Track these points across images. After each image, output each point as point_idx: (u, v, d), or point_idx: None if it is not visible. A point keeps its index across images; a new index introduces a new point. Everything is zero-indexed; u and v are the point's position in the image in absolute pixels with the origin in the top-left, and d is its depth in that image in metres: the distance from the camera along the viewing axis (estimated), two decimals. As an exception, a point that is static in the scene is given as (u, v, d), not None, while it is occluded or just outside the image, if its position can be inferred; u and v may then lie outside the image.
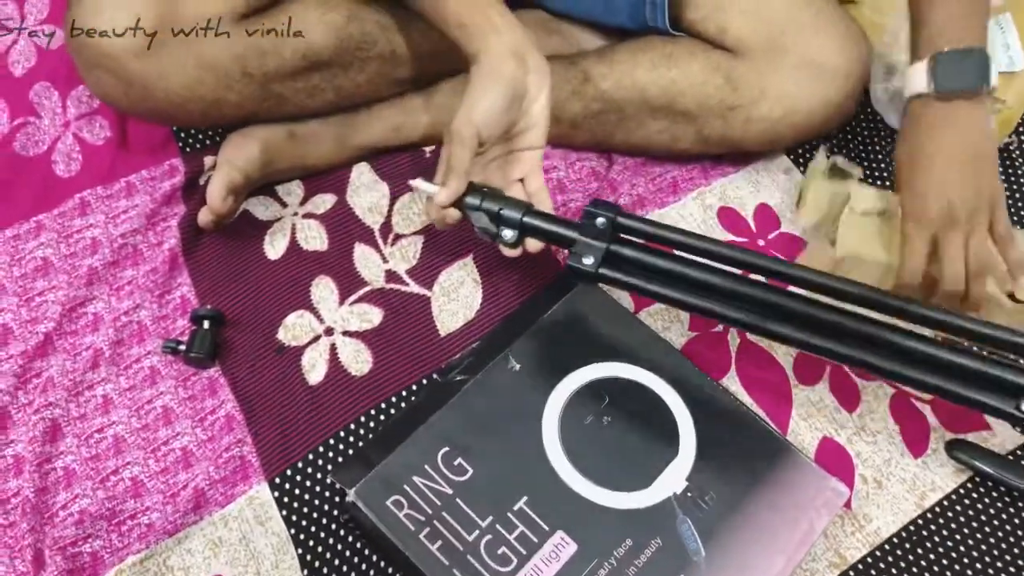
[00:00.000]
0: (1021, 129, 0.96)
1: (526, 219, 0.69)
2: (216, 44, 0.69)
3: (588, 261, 0.67)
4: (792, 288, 0.68)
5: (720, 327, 0.81)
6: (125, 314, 0.76)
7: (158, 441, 0.71)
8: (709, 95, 0.79)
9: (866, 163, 0.92)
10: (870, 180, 0.90)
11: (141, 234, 0.80)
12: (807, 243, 0.86)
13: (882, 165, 0.92)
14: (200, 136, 0.86)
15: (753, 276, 0.68)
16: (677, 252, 0.68)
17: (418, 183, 0.70)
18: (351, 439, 0.71)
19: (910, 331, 0.65)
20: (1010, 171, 0.93)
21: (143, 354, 0.74)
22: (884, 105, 0.91)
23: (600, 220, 0.68)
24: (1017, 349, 0.63)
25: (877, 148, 0.93)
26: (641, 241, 0.70)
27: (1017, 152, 0.94)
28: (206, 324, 0.74)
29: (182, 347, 0.73)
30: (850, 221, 0.79)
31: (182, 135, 0.86)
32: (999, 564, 0.71)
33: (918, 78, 0.70)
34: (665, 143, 0.84)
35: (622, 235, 0.69)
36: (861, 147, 0.93)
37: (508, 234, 0.69)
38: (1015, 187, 0.92)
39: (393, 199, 0.85)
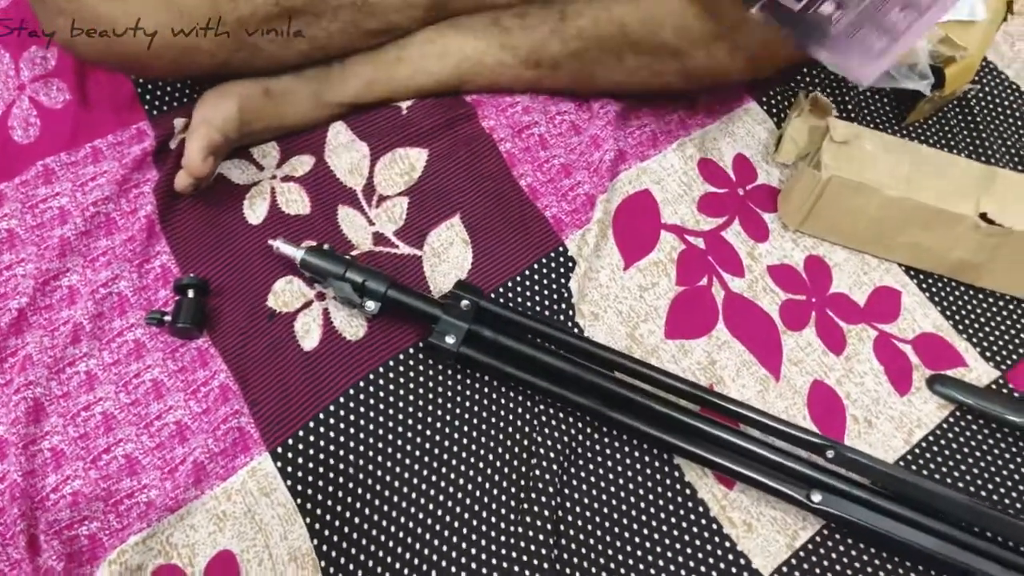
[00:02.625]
0: (978, 77, 0.99)
1: (390, 292, 0.71)
2: None
3: (450, 340, 0.70)
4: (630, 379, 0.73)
5: (704, 280, 0.82)
6: (103, 286, 0.72)
7: (150, 416, 0.68)
8: (690, 26, 0.78)
9: (840, 104, 0.94)
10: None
11: (113, 202, 0.75)
12: (789, 176, 0.88)
13: (848, 105, 0.94)
14: (167, 98, 0.82)
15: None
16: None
17: (279, 245, 0.73)
18: (351, 405, 0.70)
19: (730, 427, 0.71)
20: (968, 118, 0.96)
21: (126, 327, 0.71)
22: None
23: (464, 302, 0.71)
24: (805, 444, 0.71)
25: (844, 89, 0.95)
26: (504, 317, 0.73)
27: (974, 100, 0.97)
28: (191, 293, 0.71)
29: (167, 318, 0.70)
30: (831, 148, 0.81)
31: (148, 96, 0.81)
32: (984, 493, 0.74)
33: None
34: (646, 80, 0.83)
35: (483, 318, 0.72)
36: (831, 91, 0.95)
37: (371, 306, 0.71)
38: (974, 134, 0.95)
39: (374, 159, 0.82)
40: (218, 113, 0.74)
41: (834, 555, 0.70)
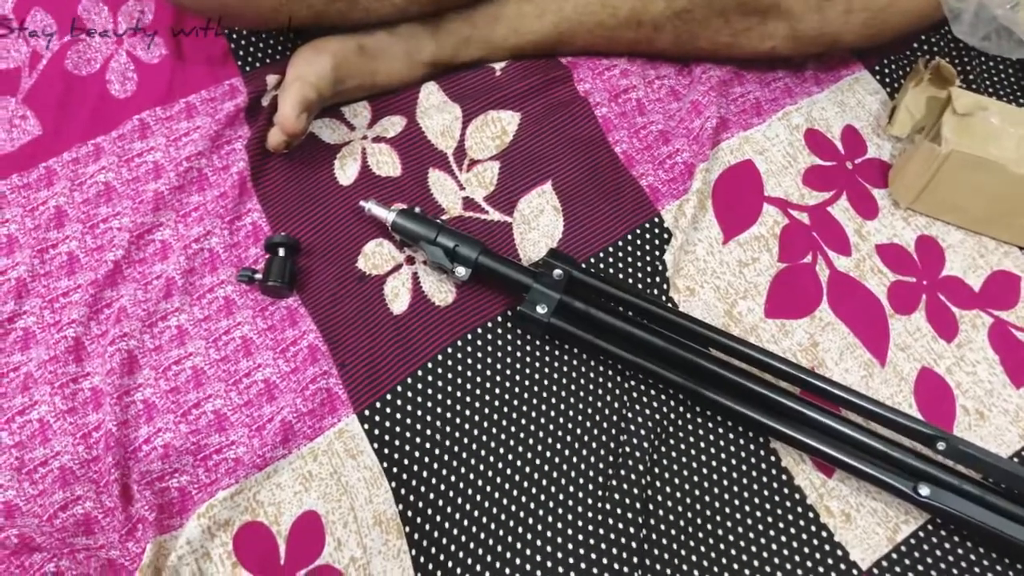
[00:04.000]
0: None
1: (481, 259, 0.69)
2: None
3: (541, 310, 0.67)
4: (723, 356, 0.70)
5: (808, 258, 0.78)
6: (195, 241, 0.72)
7: (239, 373, 0.68)
8: None
9: (962, 73, 0.88)
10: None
11: (206, 157, 0.75)
12: (903, 150, 0.82)
13: (970, 76, 0.88)
14: (259, 54, 0.81)
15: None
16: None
17: (370, 206, 0.72)
18: (439, 371, 0.69)
19: (831, 412, 0.67)
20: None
21: (216, 283, 0.71)
22: (974, 29, 0.86)
23: (557, 272, 0.69)
24: (913, 434, 0.67)
25: (965, 58, 0.89)
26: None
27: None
28: (281, 252, 0.70)
29: (258, 276, 0.70)
30: (953, 121, 0.75)
31: (240, 52, 0.81)
32: (1109, 495, 0.69)
33: None
34: (753, 44, 0.79)
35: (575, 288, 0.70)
36: (957, 58, 0.89)
37: (461, 271, 0.69)
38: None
39: (466, 122, 0.80)
40: (312, 69, 0.73)
41: (939, 552, 0.66)
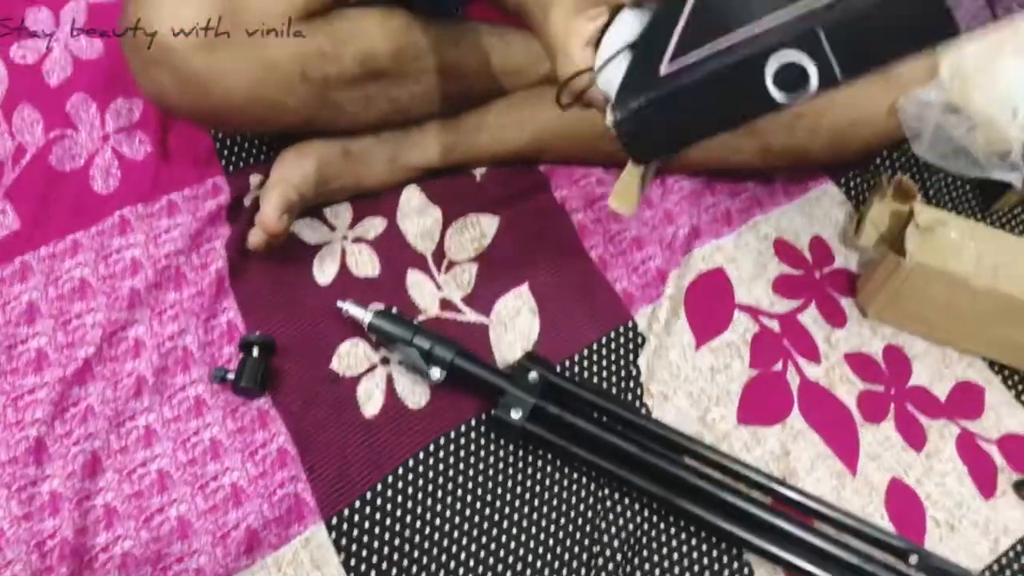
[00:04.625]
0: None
1: (457, 361, 0.69)
2: (279, 44, 0.66)
3: (516, 415, 0.67)
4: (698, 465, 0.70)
5: (779, 365, 0.79)
6: (169, 339, 0.71)
7: (206, 476, 0.66)
8: None
9: (923, 189, 0.91)
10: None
11: (185, 255, 0.75)
12: (869, 261, 0.85)
13: (930, 191, 0.91)
14: (244, 154, 0.82)
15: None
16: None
17: (347, 306, 0.72)
18: (410, 476, 0.68)
19: (804, 524, 0.67)
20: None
21: (188, 382, 0.70)
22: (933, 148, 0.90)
23: (532, 375, 0.69)
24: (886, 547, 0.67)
25: (925, 175, 0.93)
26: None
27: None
28: (256, 352, 0.70)
29: (231, 376, 0.69)
30: (916, 235, 0.78)
31: (225, 152, 0.82)
32: (1081, 613, 0.69)
33: None
34: (723, 157, 0.82)
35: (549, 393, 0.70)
36: (917, 174, 0.92)
37: (436, 373, 0.69)
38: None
39: (445, 224, 0.81)
40: (296, 171, 0.74)
41: (914, 671, 0.66)
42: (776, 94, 0.43)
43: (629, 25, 0.54)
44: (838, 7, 0.40)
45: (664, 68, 0.47)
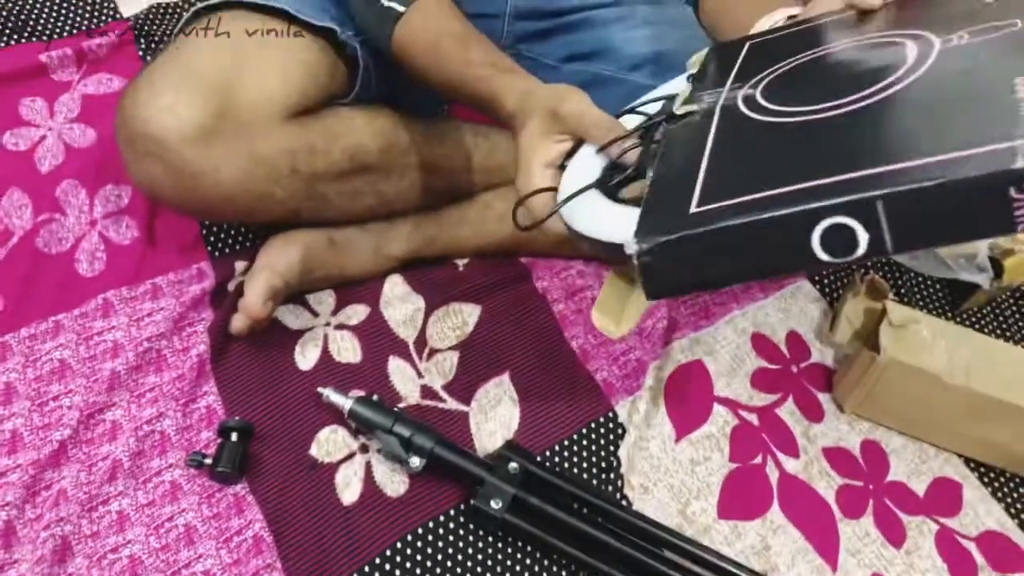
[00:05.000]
0: (1031, 269, 0.99)
1: (437, 449, 0.69)
2: (269, 138, 0.68)
3: (495, 505, 0.67)
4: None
5: (759, 459, 0.79)
6: (147, 423, 0.71)
7: (178, 564, 0.65)
8: None
9: (895, 287, 0.94)
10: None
11: (166, 339, 0.75)
12: (844, 357, 0.86)
13: (901, 290, 0.93)
14: (230, 240, 0.83)
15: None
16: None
17: (328, 393, 0.72)
18: (387, 567, 0.66)
19: None
20: (1022, 310, 0.96)
21: (164, 467, 0.69)
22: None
23: (512, 465, 0.69)
24: None
25: (897, 274, 0.95)
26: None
27: (1028, 292, 0.97)
28: (234, 436, 0.69)
29: (208, 461, 0.68)
30: (889, 332, 0.79)
31: (211, 239, 0.83)
32: None
33: None
34: None
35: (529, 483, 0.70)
36: (890, 272, 0.95)
37: (416, 462, 0.69)
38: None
39: (428, 313, 0.82)
40: (282, 259, 0.75)
41: None
42: (821, 254, 0.41)
43: (592, 159, 0.56)
44: (901, 178, 0.38)
45: (694, 207, 0.45)
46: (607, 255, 0.52)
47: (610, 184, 0.56)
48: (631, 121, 0.60)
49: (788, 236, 0.41)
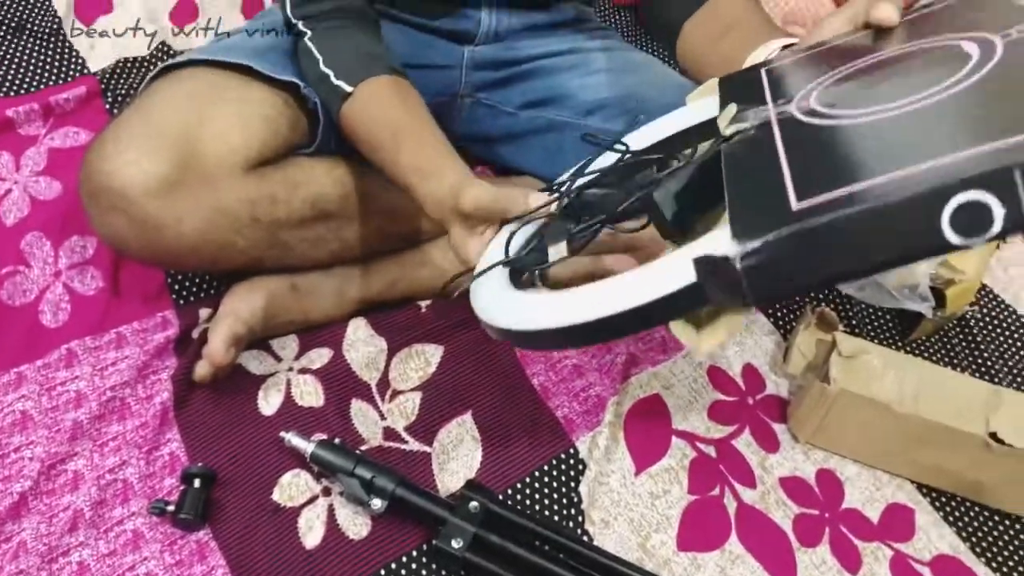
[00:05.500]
0: (977, 299, 1.02)
1: (398, 491, 0.70)
2: (231, 189, 0.70)
3: (456, 544, 0.68)
4: None
5: (717, 490, 0.81)
6: (109, 472, 0.71)
7: (140, 613, 0.65)
8: None
9: (846, 318, 0.96)
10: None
11: (130, 387, 0.76)
12: (798, 388, 0.88)
13: (852, 321, 0.96)
14: (195, 288, 0.85)
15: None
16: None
17: (290, 437, 0.72)
18: (350, 609, 0.67)
19: None
20: (970, 338, 0.99)
21: (127, 515, 0.70)
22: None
23: (473, 504, 0.70)
24: None
25: (848, 305, 0.98)
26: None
27: (974, 321, 1.00)
28: (197, 483, 0.70)
29: (171, 508, 0.69)
30: (839, 363, 0.82)
31: (176, 287, 0.84)
32: None
33: None
34: None
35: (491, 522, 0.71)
36: (835, 305, 0.98)
37: (377, 504, 0.70)
38: (976, 353, 0.97)
39: (390, 354, 0.84)
40: (245, 306, 0.77)
41: None
42: (951, 236, 0.37)
43: (501, 240, 0.59)
44: None
45: (795, 203, 0.42)
46: (503, 339, 0.54)
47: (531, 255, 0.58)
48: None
49: (916, 219, 0.38)
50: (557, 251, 0.57)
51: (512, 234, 0.60)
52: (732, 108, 0.57)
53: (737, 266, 0.42)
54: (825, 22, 0.63)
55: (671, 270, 0.46)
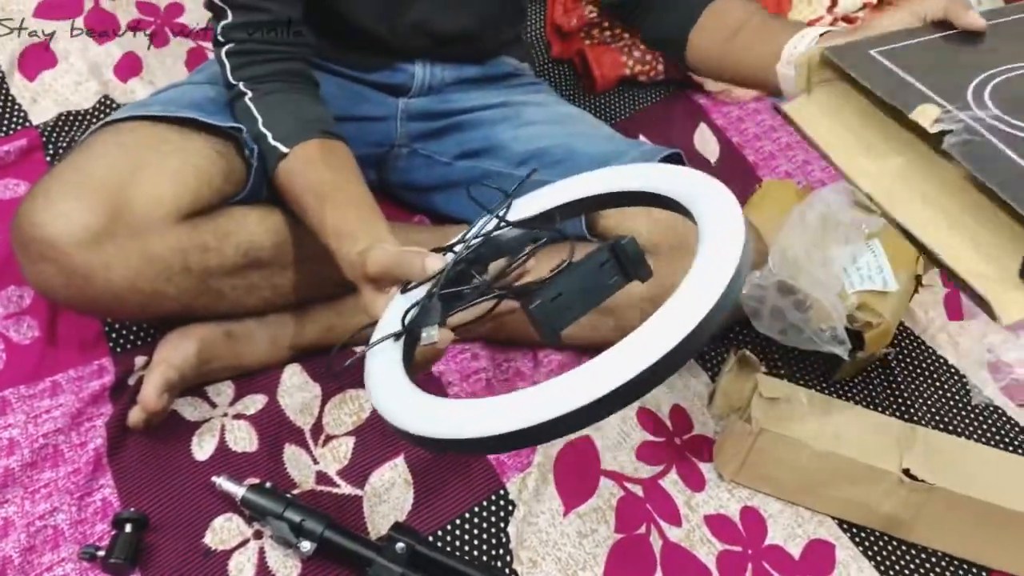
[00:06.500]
0: (896, 341, 1.07)
1: (326, 533, 0.72)
2: (161, 239, 0.72)
3: None
4: None
5: (643, 529, 0.83)
6: (40, 518, 0.72)
7: (65, 661, 0.65)
8: (628, 289, 0.85)
9: (769, 361, 1.00)
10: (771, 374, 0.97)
11: (64, 434, 0.77)
12: (723, 428, 0.91)
13: (778, 363, 1.00)
14: (132, 337, 0.86)
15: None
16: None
17: (221, 482, 0.74)
18: (278, 651, 0.68)
19: None
20: (890, 378, 1.03)
21: (56, 561, 0.70)
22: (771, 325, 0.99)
23: (400, 545, 0.72)
24: None
25: (773, 348, 1.02)
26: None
27: (895, 361, 1.04)
28: (128, 527, 0.71)
29: (101, 553, 0.70)
30: (760, 404, 0.85)
31: (113, 335, 0.86)
32: None
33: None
34: (586, 334, 0.89)
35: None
36: (761, 347, 1.01)
37: (306, 546, 0.72)
38: (896, 393, 1.01)
39: (325, 399, 0.86)
40: (177, 353, 0.78)
41: None
42: None
43: (396, 313, 0.59)
44: None
45: None
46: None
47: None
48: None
49: None
50: (428, 335, 0.57)
51: (413, 306, 0.59)
52: (932, 109, 0.56)
53: None
54: (886, 15, 0.67)
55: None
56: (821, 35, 0.71)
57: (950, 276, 0.53)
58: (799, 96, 0.65)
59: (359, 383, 0.87)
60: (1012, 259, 0.50)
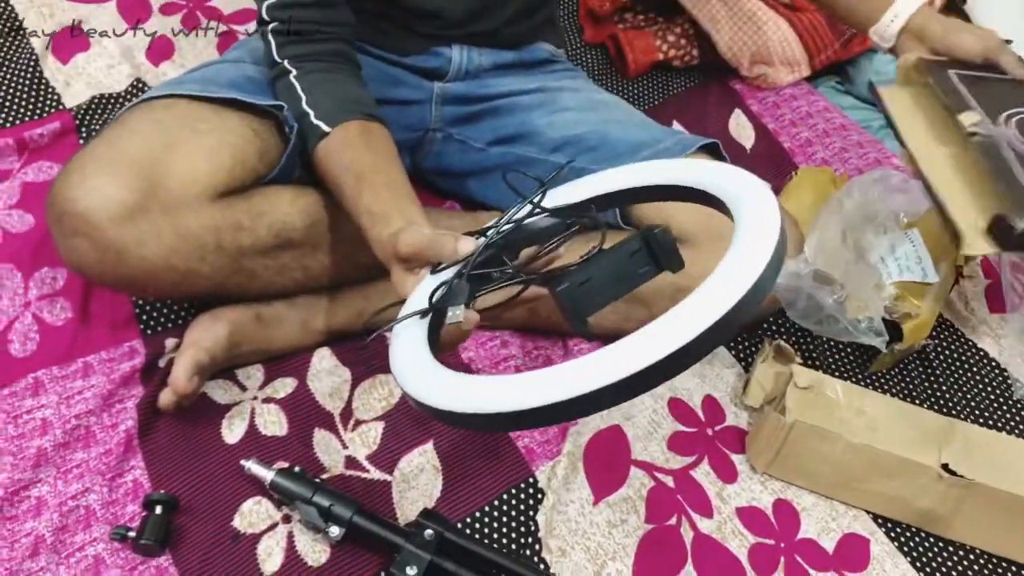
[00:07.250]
0: (935, 333, 1.04)
1: (355, 519, 0.71)
2: (195, 216, 0.72)
3: (411, 571, 0.69)
4: None
5: (674, 520, 0.82)
6: (72, 498, 0.72)
7: (97, 638, 0.66)
8: (661, 279, 0.84)
9: (804, 351, 0.98)
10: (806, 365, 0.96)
11: (96, 415, 0.78)
12: (756, 419, 0.90)
13: (813, 354, 0.98)
14: (162, 319, 0.86)
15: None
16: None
17: (250, 465, 0.73)
18: (306, 635, 0.68)
19: None
20: (928, 371, 1.00)
21: (88, 541, 0.71)
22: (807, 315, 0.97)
23: (428, 532, 0.71)
24: None
25: (809, 339, 1.00)
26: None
27: (933, 354, 1.02)
28: (158, 509, 0.71)
29: (132, 533, 0.70)
30: (795, 394, 0.84)
31: (144, 317, 0.86)
32: None
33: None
34: (618, 323, 0.88)
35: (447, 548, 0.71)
36: (797, 339, 1.00)
37: (335, 531, 0.71)
38: (935, 386, 0.99)
39: (354, 384, 0.85)
40: (208, 335, 0.78)
41: None
42: None
43: (424, 293, 0.59)
44: None
45: None
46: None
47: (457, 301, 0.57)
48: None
49: None
50: (454, 315, 0.56)
51: (441, 285, 0.59)
52: (975, 116, 0.77)
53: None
54: (958, 38, 0.87)
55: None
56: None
57: (945, 222, 0.74)
58: (893, 85, 0.90)
59: (389, 368, 0.87)
60: (983, 218, 0.71)
